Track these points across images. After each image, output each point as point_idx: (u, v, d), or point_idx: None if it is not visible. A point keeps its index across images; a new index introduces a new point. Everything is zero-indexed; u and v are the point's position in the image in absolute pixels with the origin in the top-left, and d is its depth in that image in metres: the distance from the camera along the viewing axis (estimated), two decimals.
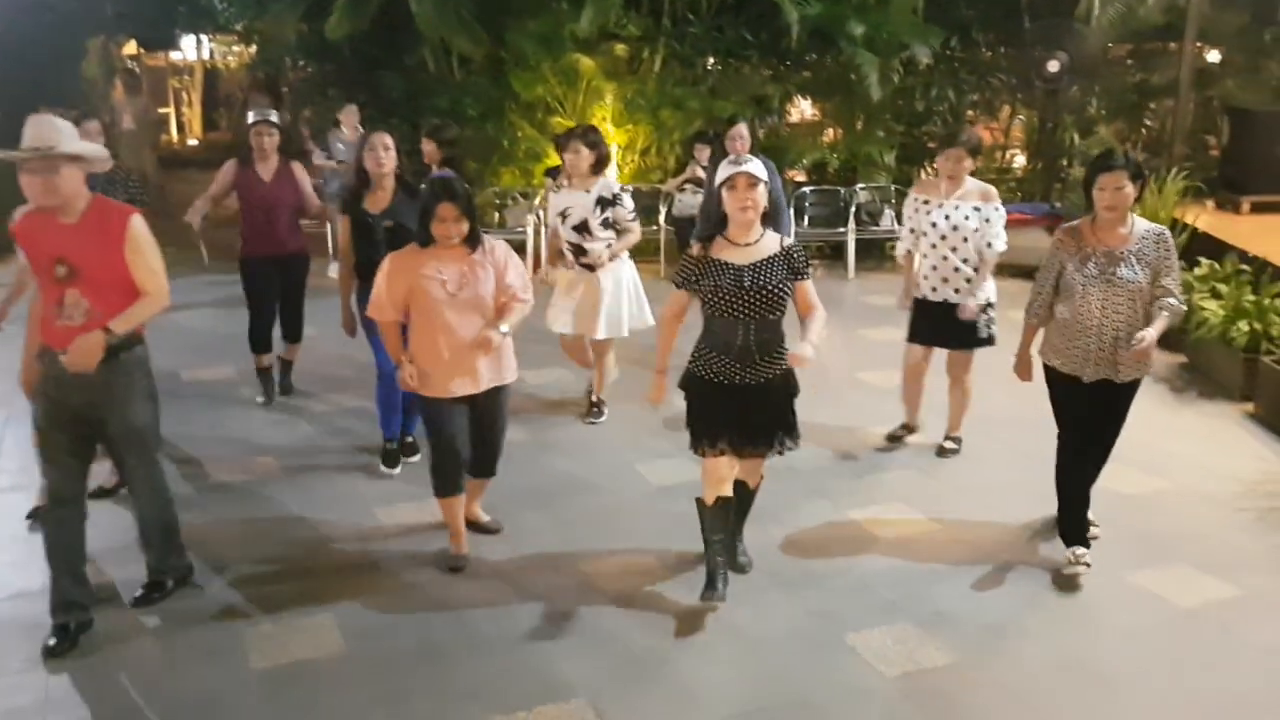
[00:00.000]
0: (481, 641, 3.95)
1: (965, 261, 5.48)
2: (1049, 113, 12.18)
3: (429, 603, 4.24)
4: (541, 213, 9.95)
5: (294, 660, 3.80)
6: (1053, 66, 10.59)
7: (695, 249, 4.17)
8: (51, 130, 3.66)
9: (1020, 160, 13.60)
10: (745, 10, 11.19)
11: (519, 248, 10.05)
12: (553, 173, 10.00)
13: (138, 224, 3.81)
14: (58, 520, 3.94)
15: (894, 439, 5.97)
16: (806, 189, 10.98)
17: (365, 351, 5.48)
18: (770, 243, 4.08)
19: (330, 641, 3.93)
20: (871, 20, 10.71)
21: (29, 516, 4.81)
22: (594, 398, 6.35)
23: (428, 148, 6.33)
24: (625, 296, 6.12)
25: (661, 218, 10.27)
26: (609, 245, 6.00)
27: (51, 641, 3.85)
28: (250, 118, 6.69)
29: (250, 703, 3.58)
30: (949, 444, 5.82)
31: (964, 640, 3.99)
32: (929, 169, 11.58)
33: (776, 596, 4.28)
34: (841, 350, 7.60)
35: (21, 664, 3.77)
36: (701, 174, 9.67)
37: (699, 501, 4.20)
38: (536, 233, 10.12)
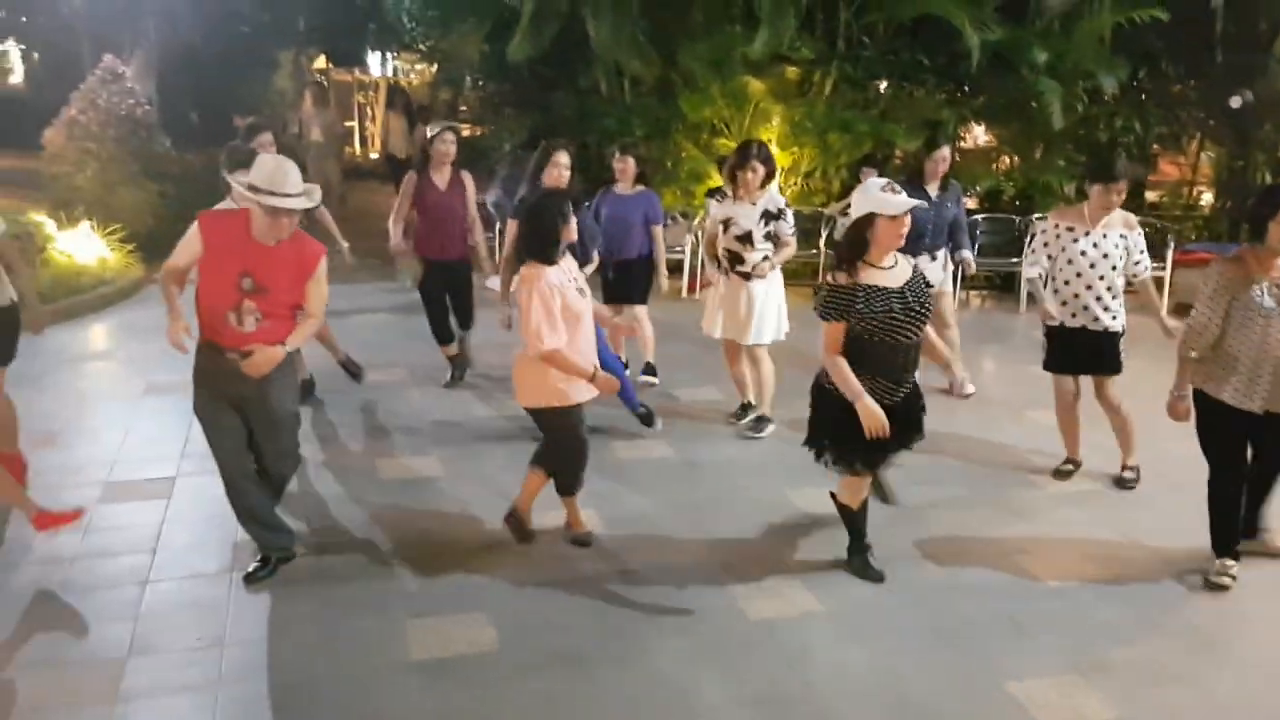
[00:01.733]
0: (624, 654, 3.97)
1: (1109, 289, 5.39)
2: (1239, 150, 11.52)
3: (580, 605, 4.30)
4: (700, 232, 9.99)
5: (452, 655, 3.90)
6: (1234, 103, 10.07)
7: (842, 277, 4.14)
8: (298, 179, 4.06)
9: (1208, 198, 12.91)
10: (922, 34, 11.02)
11: (676, 267, 10.15)
12: (715, 193, 10.05)
13: (324, 260, 4.27)
14: (243, 492, 4.37)
15: (1060, 475, 5.76)
16: (978, 216, 10.68)
17: None
18: (904, 263, 4.22)
19: (485, 638, 4.02)
20: (1055, 48, 10.40)
21: None
22: (755, 409, 6.41)
23: (622, 165, 6.87)
24: (773, 306, 6.21)
25: (822, 241, 10.17)
26: (766, 257, 6.05)
27: (251, 567, 4.42)
28: (430, 129, 7.04)
29: (409, 694, 3.69)
30: (1126, 474, 5.65)
31: (1128, 692, 3.79)
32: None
33: (933, 640, 4.14)
34: (1010, 385, 7.36)
35: (196, 642, 3.98)
36: None
37: (846, 507, 4.47)
38: (694, 252, 10.16)
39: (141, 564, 4.54)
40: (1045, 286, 5.55)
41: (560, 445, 4.70)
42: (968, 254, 7.04)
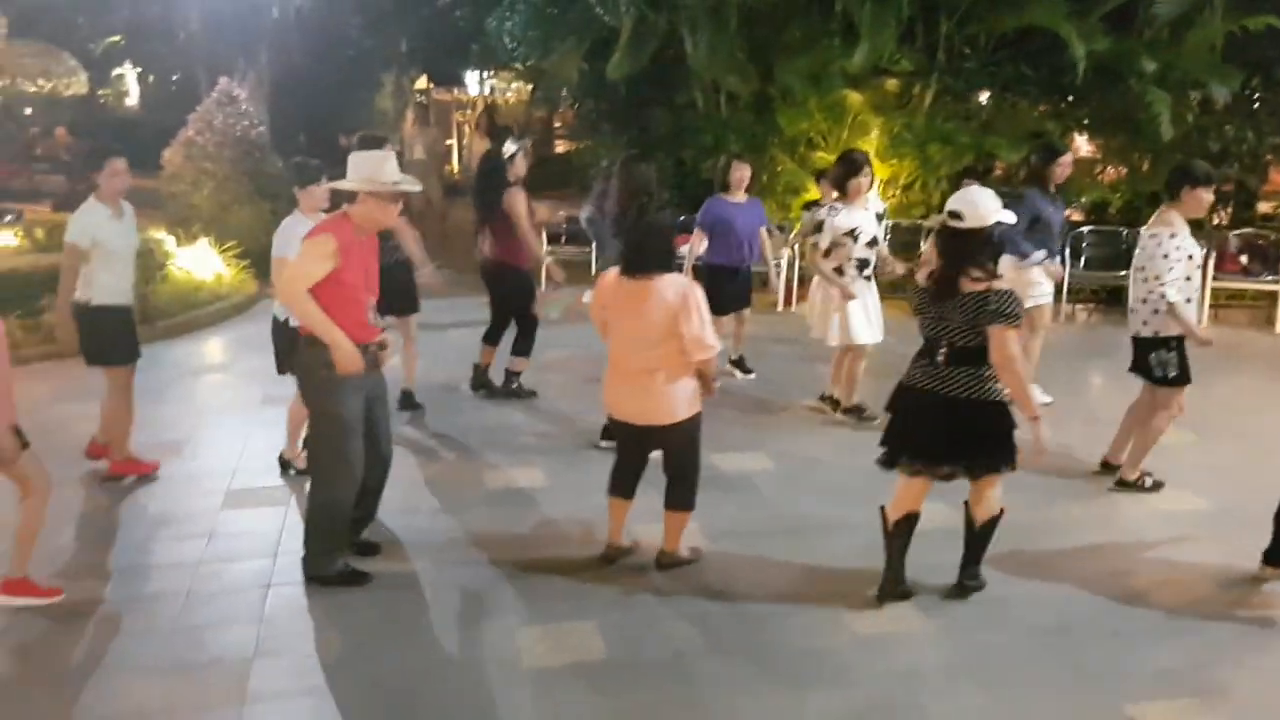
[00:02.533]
0: (728, 666, 3.98)
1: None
2: None
3: (685, 616, 4.33)
4: (798, 245, 9.99)
5: (561, 663, 3.97)
6: None
7: (997, 283, 4.16)
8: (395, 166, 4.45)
9: None
10: (1025, 45, 10.85)
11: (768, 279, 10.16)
12: (811, 206, 10.04)
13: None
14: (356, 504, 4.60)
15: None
16: (1085, 228, 10.45)
17: None
18: None
19: (594, 646, 4.08)
20: (1164, 57, 10.14)
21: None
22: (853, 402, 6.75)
23: (739, 174, 7.40)
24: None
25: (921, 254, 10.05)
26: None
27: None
28: (510, 147, 7.22)
29: (520, 701, 3.76)
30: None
31: (1249, 715, 3.69)
32: (1223, 214, 10.83)
33: (1046, 660, 4.07)
34: (1117, 401, 7.16)
35: (315, 647, 4.11)
36: None
37: (996, 518, 4.40)
38: (790, 265, 10.16)
39: (264, 569, 4.72)
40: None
41: (694, 456, 4.68)
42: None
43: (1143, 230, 5.49)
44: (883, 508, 4.45)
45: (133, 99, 24.91)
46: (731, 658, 4.04)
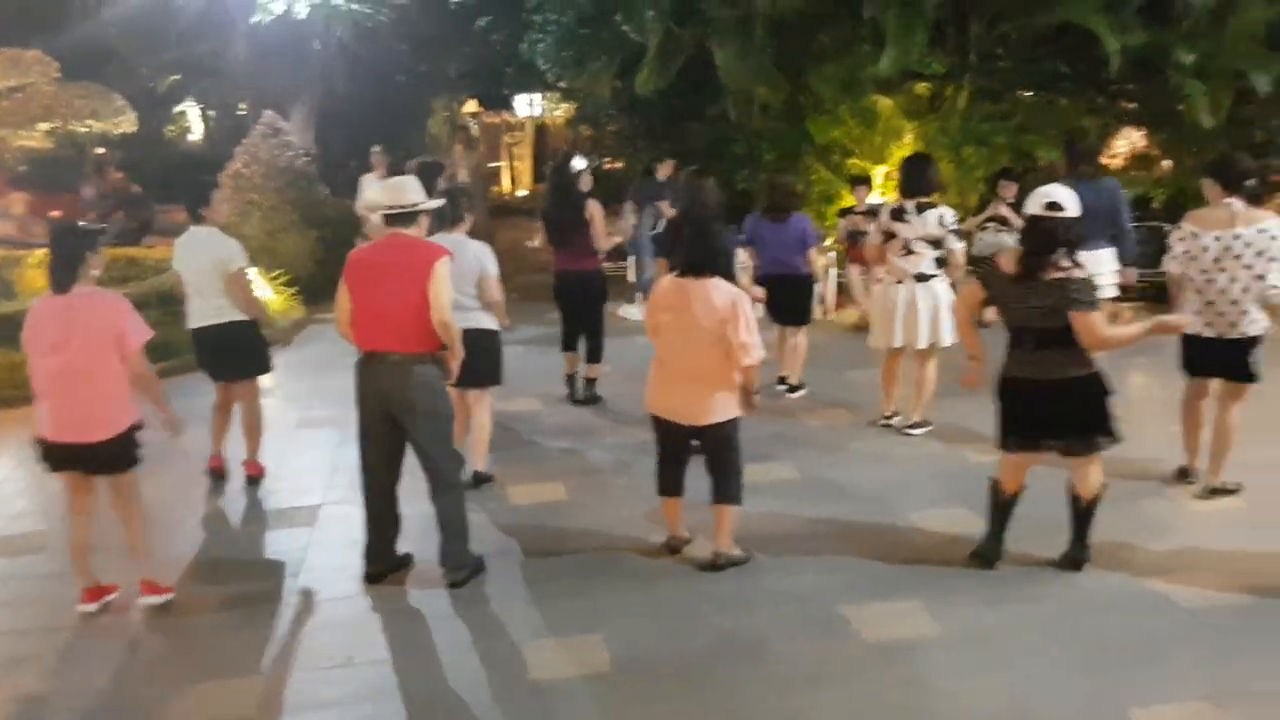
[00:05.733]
0: (737, 675, 4.00)
1: None
2: None
3: (696, 625, 4.36)
4: (836, 253, 9.99)
5: (568, 676, 4.03)
6: None
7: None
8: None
9: None
10: (1060, 42, 10.71)
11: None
12: (846, 213, 10.03)
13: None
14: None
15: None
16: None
17: None
18: None
19: (600, 660, 4.13)
20: (1202, 48, 9.93)
21: None
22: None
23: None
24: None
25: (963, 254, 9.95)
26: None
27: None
28: (578, 163, 7.57)
29: (528, 715, 3.81)
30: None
31: None
32: (1275, 205, 10.51)
33: (1058, 661, 4.03)
34: (1157, 398, 7.04)
35: (334, 661, 4.22)
36: (1005, 211, 9.33)
37: (1099, 497, 4.65)
38: (826, 273, 10.14)
39: (288, 586, 4.87)
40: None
41: (732, 455, 4.82)
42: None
43: (1240, 225, 5.17)
44: (993, 479, 4.80)
45: (196, 134, 25.65)
46: (741, 666, 4.05)
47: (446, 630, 4.43)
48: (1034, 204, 4.52)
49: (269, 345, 6.39)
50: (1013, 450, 4.67)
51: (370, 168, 11.85)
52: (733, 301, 4.57)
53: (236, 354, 6.06)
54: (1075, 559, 4.75)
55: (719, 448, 4.79)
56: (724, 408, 4.70)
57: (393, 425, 4.68)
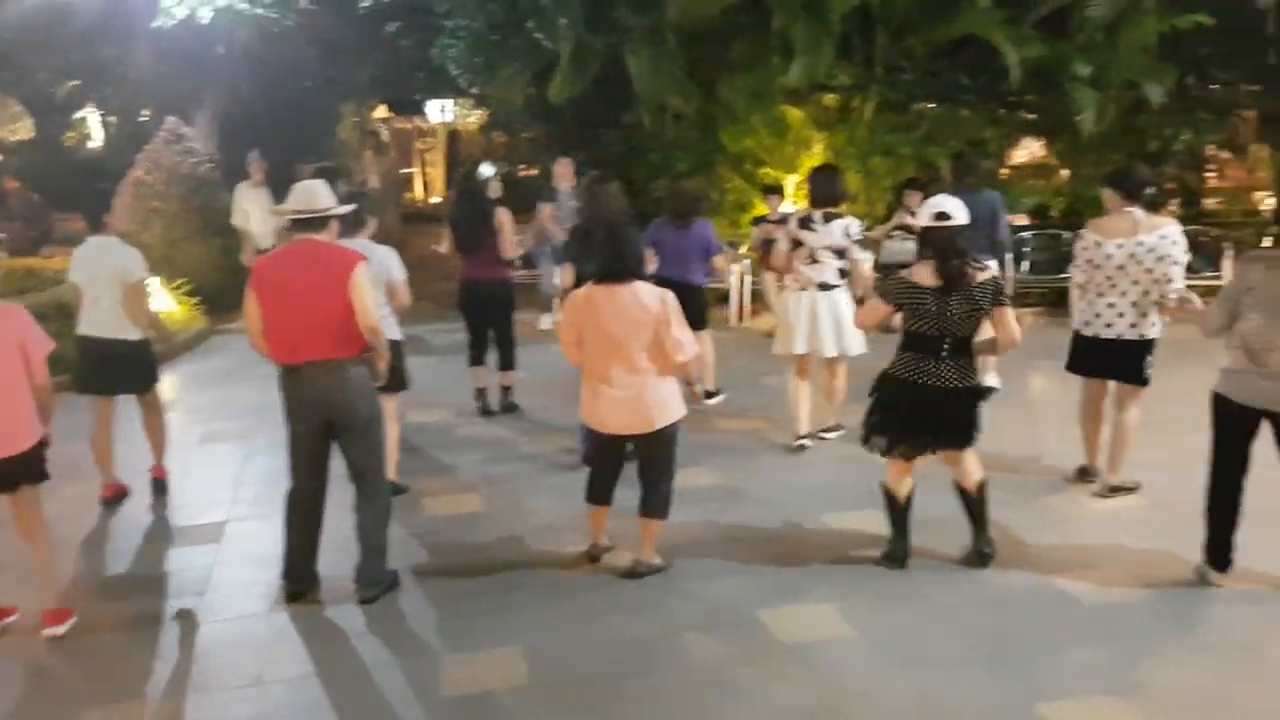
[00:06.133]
0: (653, 681, 4.00)
1: None
2: None
3: (613, 632, 4.35)
4: (750, 261, 10.10)
5: (483, 690, 3.98)
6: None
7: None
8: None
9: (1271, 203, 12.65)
10: (962, 54, 11.00)
11: (724, 296, 10.25)
12: (759, 221, 10.15)
13: None
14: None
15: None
16: (1026, 233, 10.59)
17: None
18: None
19: (517, 671, 4.09)
20: (1098, 60, 10.29)
21: None
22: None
23: None
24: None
25: (869, 264, 10.15)
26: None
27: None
28: (486, 171, 7.55)
29: None
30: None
31: (1166, 713, 3.71)
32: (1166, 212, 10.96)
33: (965, 659, 4.11)
34: (1057, 399, 7.26)
35: (243, 680, 4.11)
36: (910, 220, 9.54)
37: (985, 482, 4.86)
38: (741, 280, 10.25)
39: (194, 605, 4.72)
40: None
41: (670, 464, 4.83)
42: None
43: (1142, 233, 5.34)
44: (884, 484, 4.91)
45: (96, 141, 24.83)
46: (659, 673, 4.06)
47: (360, 647, 4.34)
48: (924, 216, 4.66)
49: (157, 363, 6.25)
50: (877, 450, 4.78)
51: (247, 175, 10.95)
52: (661, 300, 4.59)
53: (123, 369, 5.90)
54: (981, 554, 4.88)
55: (660, 454, 4.78)
56: (666, 412, 4.68)
57: (327, 435, 4.59)
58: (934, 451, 4.74)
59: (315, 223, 4.59)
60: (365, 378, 4.60)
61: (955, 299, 4.50)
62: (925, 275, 4.58)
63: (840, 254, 6.38)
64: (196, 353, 9.72)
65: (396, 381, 5.81)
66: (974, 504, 4.88)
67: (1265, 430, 4.45)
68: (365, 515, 4.70)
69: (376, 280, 5.48)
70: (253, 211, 10.49)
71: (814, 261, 6.40)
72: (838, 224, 6.36)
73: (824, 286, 6.41)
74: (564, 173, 10.36)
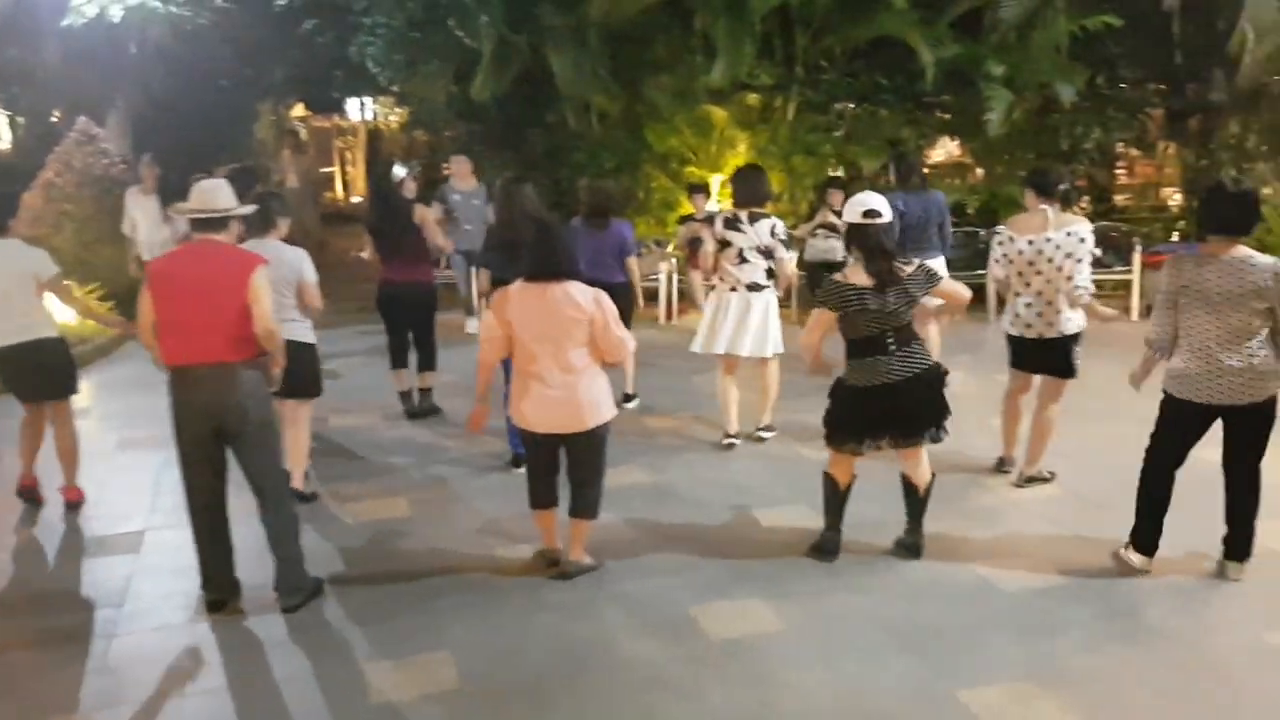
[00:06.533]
0: (585, 682, 4.01)
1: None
2: (1204, 149, 11.67)
3: (543, 635, 4.34)
4: (676, 259, 10.14)
5: (411, 697, 3.93)
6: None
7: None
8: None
9: (1179, 199, 13.08)
10: (879, 55, 11.18)
11: (652, 294, 10.29)
12: (685, 220, 10.21)
13: None
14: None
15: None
16: None
17: None
18: None
19: (446, 677, 4.05)
20: (1011, 60, 10.55)
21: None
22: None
23: None
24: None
25: (793, 263, 10.27)
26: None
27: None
28: (399, 171, 7.63)
29: None
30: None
31: (1087, 699, 3.82)
32: (1078, 208, 11.29)
33: (890, 650, 4.19)
34: (977, 393, 7.43)
35: (164, 693, 4.01)
36: (834, 218, 9.67)
37: (931, 482, 4.97)
38: (669, 279, 10.29)
39: (111, 617, 4.59)
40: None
41: (600, 463, 4.81)
42: None
43: (1051, 230, 5.46)
44: (826, 471, 4.98)
45: (4, 142, 24.00)
46: (591, 674, 4.05)
47: (284, 656, 4.26)
48: (852, 213, 4.72)
49: (76, 365, 6.06)
50: (847, 450, 4.85)
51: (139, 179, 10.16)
52: (595, 299, 4.56)
53: (44, 373, 5.71)
54: (914, 546, 4.98)
55: (591, 454, 4.74)
56: (599, 411, 4.65)
57: (218, 441, 4.49)
58: (888, 444, 4.78)
59: (215, 223, 4.50)
60: (258, 382, 4.50)
61: (892, 294, 4.59)
62: (859, 276, 4.64)
63: (768, 254, 6.43)
64: (112, 358, 9.47)
65: (309, 387, 5.73)
66: (917, 502, 4.97)
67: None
68: (271, 526, 4.62)
69: (286, 283, 5.41)
70: (140, 220, 9.81)
71: (743, 262, 6.43)
72: (764, 224, 6.41)
73: (754, 287, 6.45)
74: (462, 172, 9.89)
